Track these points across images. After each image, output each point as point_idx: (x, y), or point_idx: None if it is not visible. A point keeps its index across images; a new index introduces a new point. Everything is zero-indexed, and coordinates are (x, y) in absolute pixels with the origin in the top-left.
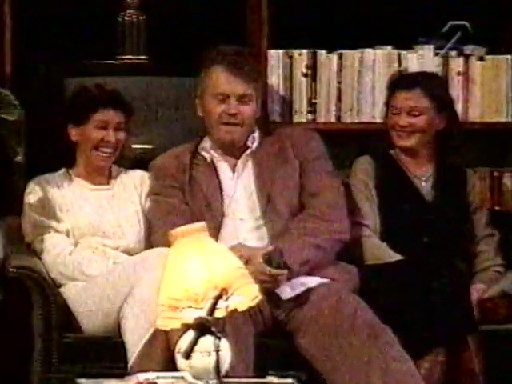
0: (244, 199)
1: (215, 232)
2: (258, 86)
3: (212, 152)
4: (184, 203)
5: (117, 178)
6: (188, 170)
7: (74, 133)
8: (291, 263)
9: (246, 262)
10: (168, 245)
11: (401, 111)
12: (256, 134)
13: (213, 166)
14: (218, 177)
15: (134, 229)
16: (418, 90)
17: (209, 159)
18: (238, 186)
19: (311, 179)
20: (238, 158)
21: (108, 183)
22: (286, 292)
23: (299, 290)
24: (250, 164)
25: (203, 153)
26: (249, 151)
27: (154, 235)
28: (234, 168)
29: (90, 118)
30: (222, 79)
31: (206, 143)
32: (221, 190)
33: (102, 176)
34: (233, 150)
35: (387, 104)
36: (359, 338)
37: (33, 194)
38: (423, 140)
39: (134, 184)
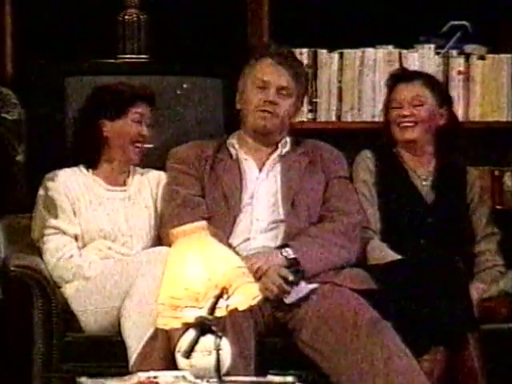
0: (265, 200)
1: (229, 228)
2: (301, 88)
3: (239, 149)
4: (199, 195)
5: (134, 178)
6: (210, 162)
7: (107, 128)
8: (305, 265)
9: (263, 273)
10: None
11: (403, 103)
12: (288, 140)
13: (237, 163)
14: (240, 174)
15: (145, 239)
16: (418, 81)
17: (234, 156)
18: (262, 185)
19: (336, 196)
20: (266, 159)
21: (125, 183)
22: (290, 296)
23: (302, 293)
24: (278, 167)
25: (230, 148)
26: (278, 152)
27: (166, 229)
28: (260, 167)
29: (128, 111)
30: (267, 69)
31: (234, 140)
32: (242, 188)
33: (121, 175)
34: (261, 145)
35: (387, 100)
36: (361, 334)
37: (47, 189)
38: (426, 134)
39: (151, 186)
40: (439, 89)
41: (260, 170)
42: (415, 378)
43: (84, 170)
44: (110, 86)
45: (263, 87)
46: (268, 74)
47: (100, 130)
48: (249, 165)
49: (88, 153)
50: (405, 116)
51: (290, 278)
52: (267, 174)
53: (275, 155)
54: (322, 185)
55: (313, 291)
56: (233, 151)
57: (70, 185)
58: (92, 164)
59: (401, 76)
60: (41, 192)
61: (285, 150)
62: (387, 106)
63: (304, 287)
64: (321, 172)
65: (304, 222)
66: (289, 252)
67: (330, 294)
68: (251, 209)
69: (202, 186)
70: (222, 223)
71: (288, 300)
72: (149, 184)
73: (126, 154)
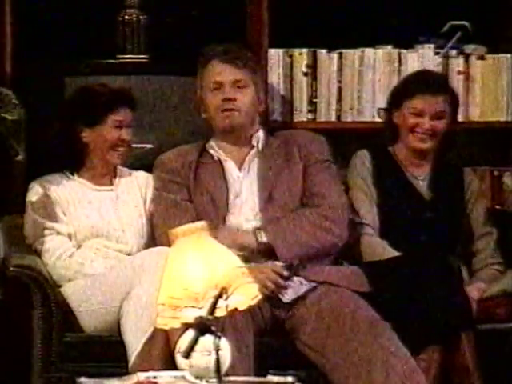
0: (250, 198)
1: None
2: (256, 76)
3: (218, 150)
4: (187, 200)
5: (121, 179)
6: (194, 168)
7: (86, 134)
8: (278, 249)
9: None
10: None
11: (424, 114)
12: (260, 134)
13: (220, 165)
14: (224, 175)
15: (137, 235)
16: (444, 96)
17: (216, 158)
18: (244, 184)
19: (316, 181)
20: (244, 157)
21: (111, 183)
22: (288, 295)
23: (300, 292)
24: (255, 163)
25: (210, 151)
26: (254, 150)
27: (157, 232)
28: (240, 167)
29: (108, 118)
30: (215, 70)
31: (213, 142)
32: (227, 189)
33: (106, 177)
34: (237, 145)
35: (399, 102)
36: (360, 334)
37: (35, 195)
38: (437, 142)
39: (139, 186)
40: (456, 99)
41: (239, 169)
42: (414, 378)
43: (69, 175)
44: (89, 89)
45: (218, 88)
46: (218, 74)
47: (79, 136)
48: (229, 165)
49: (69, 159)
50: (426, 129)
51: (285, 273)
52: (247, 172)
53: (252, 153)
54: (301, 172)
55: (311, 290)
56: (214, 153)
57: (57, 188)
58: (75, 169)
59: (423, 84)
60: (29, 198)
61: (261, 146)
62: (395, 106)
63: (302, 286)
64: (298, 159)
65: (281, 212)
66: (262, 235)
67: (328, 294)
68: (239, 209)
69: (188, 192)
70: (212, 225)
71: (285, 299)
72: (137, 184)
73: (106, 159)
